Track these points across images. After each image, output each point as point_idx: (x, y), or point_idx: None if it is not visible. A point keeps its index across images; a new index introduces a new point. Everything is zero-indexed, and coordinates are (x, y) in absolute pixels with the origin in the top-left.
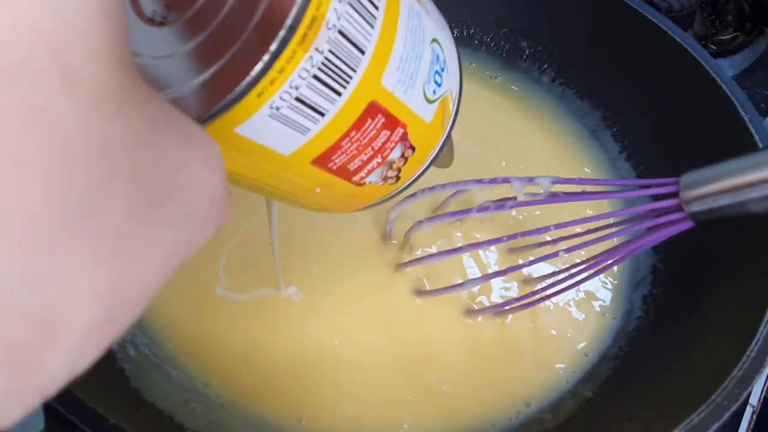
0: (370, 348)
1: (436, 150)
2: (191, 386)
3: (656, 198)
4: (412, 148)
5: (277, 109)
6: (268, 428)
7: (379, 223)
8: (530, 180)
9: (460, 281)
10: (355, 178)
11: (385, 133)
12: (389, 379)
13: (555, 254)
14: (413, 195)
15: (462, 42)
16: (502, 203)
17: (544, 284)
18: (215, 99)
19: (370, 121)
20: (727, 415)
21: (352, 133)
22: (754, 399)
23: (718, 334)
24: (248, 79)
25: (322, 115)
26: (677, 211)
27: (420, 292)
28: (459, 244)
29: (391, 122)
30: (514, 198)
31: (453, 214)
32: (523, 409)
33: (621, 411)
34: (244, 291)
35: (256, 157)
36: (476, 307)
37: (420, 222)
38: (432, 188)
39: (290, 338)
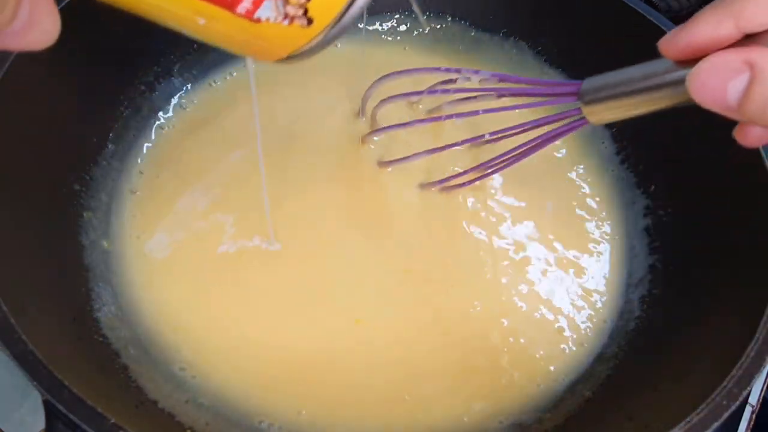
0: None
1: None
2: (191, 386)
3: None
4: None
5: None
6: (266, 425)
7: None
8: (476, 72)
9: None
10: (239, 9)
11: None
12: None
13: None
14: (386, 76)
15: (462, 42)
16: (446, 88)
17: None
18: None
19: None
20: (726, 414)
21: None
22: (754, 398)
23: (717, 333)
24: None
25: None
26: (577, 110)
27: (382, 162)
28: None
29: None
30: (454, 82)
31: (407, 94)
32: (521, 410)
33: (621, 411)
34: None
35: None
36: (428, 182)
37: (383, 100)
38: (400, 72)
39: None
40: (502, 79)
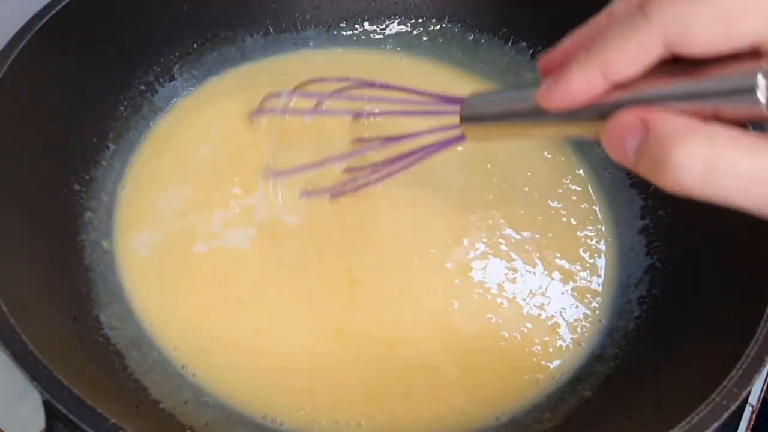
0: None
1: None
2: (192, 385)
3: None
4: None
5: None
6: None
7: None
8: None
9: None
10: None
11: None
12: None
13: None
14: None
15: (462, 42)
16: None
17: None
18: None
19: None
20: (726, 414)
21: None
22: (754, 398)
23: (717, 333)
24: None
25: None
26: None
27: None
28: None
29: None
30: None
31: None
32: (521, 410)
33: (621, 410)
34: None
35: None
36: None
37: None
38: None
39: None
40: (396, 89)
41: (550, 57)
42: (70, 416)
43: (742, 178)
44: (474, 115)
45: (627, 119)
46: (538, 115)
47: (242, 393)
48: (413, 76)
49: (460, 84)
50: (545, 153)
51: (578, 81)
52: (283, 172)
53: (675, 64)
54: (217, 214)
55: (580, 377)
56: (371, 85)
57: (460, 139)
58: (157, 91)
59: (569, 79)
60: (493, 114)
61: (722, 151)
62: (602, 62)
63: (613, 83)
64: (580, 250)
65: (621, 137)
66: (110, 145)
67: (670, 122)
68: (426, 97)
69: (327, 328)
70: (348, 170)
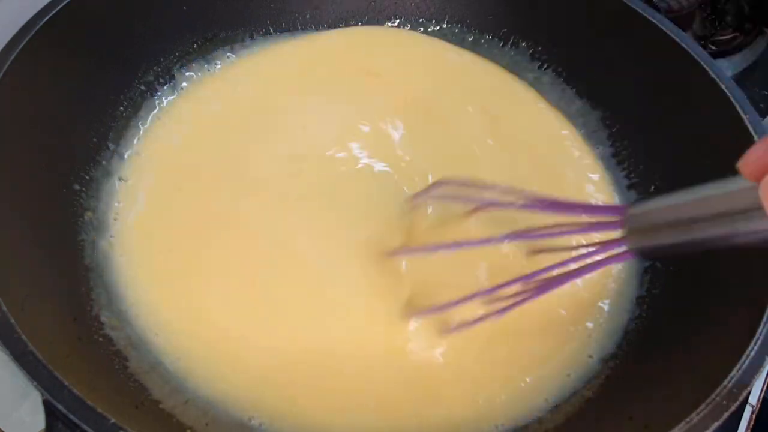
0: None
1: None
2: (191, 386)
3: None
4: None
5: None
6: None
7: None
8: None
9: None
10: None
11: None
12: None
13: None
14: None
15: (462, 42)
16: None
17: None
18: None
19: None
20: (726, 414)
21: None
22: (754, 399)
23: (717, 334)
24: None
25: None
26: (621, 243)
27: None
28: None
29: None
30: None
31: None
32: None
33: (621, 411)
34: None
35: None
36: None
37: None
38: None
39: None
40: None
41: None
42: (70, 416)
43: None
44: (646, 226)
45: None
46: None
47: (232, 392)
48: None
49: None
50: (541, 155)
51: None
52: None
53: None
54: (218, 215)
55: (580, 377)
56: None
57: (625, 255)
58: (157, 91)
59: None
60: (675, 220)
61: None
62: None
63: None
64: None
65: None
66: (110, 145)
67: None
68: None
69: (326, 333)
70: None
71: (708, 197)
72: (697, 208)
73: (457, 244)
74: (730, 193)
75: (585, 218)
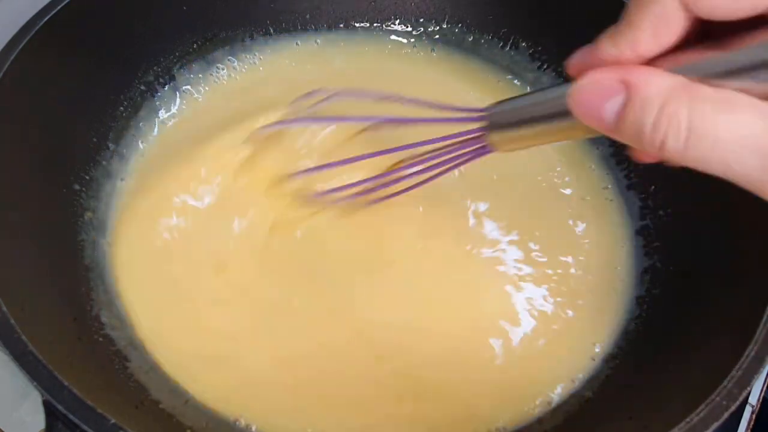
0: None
1: None
2: (190, 386)
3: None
4: None
5: None
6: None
7: None
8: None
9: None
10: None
11: None
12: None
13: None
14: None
15: (462, 42)
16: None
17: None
18: None
19: None
20: (726, 414)
21: None
22: (754, 398)
23: (717, 334)
24: None
25: None
26: (480, 139)
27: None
28: None
29: None
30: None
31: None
32: (525, 411)
33: (621, 411)
34: None
35: None
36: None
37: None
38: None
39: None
40: (413, 102)
41: (580, 55)
42: (70, 416)
43: (721, 145)
44: (501, 123)
45: (605, 81)
46: (559, 109)
47: (221, 394)
48: (413, 76)
49: (460, 84)
50: (539, 157)
51: (610, 61)
52: (300, 172)
53: (712, 39)
54: (218, 215)
55: (580, 377)
56: (386, 98)
57: (485, 150)
58: (157, 91)
59: (602, 60)
60: (522, 119)
61: (705, 114)
62: (631, 39)
63: (644, 59)
64: (582, 250)
65: (598, 100)
66: (110, 145)
67: (653, 85)
68: (443, 110)
69: (325, 337)
70: (362, 181)
71: (546, 99)
72: (536, 108)
73: (343, 162)
74: (561, 95)
75: (449, 113)
